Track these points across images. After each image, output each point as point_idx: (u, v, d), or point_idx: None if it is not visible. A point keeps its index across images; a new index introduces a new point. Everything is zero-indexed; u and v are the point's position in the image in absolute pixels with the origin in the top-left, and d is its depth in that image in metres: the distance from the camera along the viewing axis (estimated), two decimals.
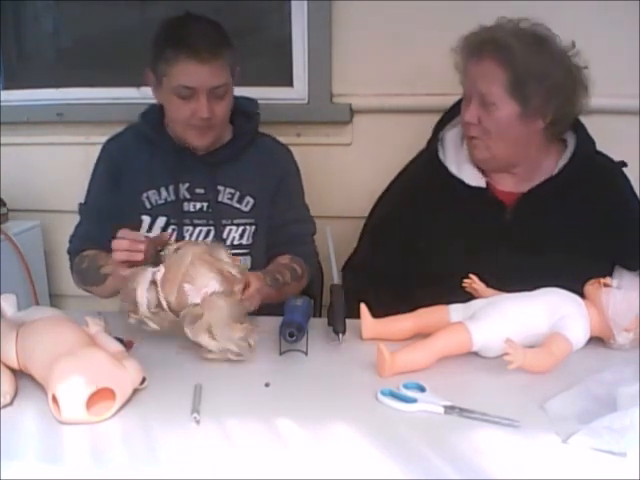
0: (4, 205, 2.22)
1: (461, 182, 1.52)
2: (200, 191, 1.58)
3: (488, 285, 1.29)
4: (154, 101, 1.59)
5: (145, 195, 1.57)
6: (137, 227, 1.54)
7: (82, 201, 1.64)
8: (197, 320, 1.15)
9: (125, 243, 1.27)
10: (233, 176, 1.57)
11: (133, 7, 2.18)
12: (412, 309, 1.26)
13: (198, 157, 1.58)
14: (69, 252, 1.62)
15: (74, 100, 2.23)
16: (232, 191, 1.58)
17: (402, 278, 1.53)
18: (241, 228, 1.59)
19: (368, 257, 1.62)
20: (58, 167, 2.27)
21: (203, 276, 1.19)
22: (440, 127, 1.60)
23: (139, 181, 1.57)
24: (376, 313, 1.26)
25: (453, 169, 1.54)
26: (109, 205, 1.58)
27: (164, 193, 1.57)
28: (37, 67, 2.42)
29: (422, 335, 1.18)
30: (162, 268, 1.20)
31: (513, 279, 1.21)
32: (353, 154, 2.10)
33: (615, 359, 1.16)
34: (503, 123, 1.43)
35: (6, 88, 2.32)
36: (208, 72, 1.45)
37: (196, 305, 1.17)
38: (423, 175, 1.58)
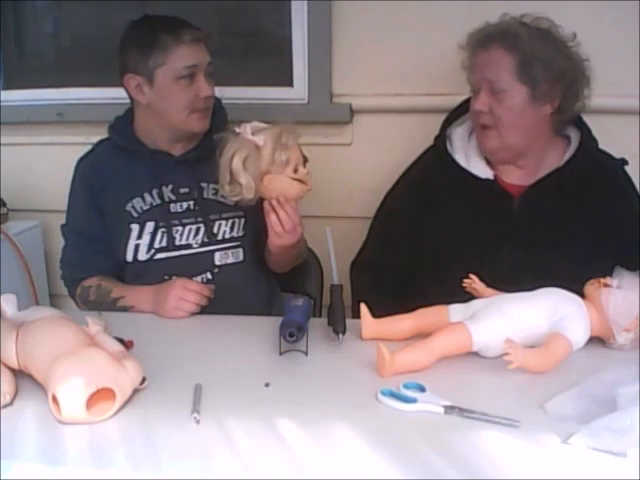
0: (4, 205, 2.22)
1: (469, 174, 1.55)
2: (184, 190, 1.59)
3: (493, 276, 1.29)
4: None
5: (130, 205, 1.57)
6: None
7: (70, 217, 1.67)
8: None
9: (196, 297, 1.42)
10: (214, 171, 1.57)
11: (133, 7, 2.18)
12: (422, 303, 1.27)
13: (176, 158, 1.60)
14: (66, 283, 1.67)
15: (74, 100, 2.23)
16: (215, 186, 1.58)
17: (412, 272, 1.56)
18: (230, 221, 1.60)
19: (377, 253, 1.64)
20: (58, 167, 2.25)
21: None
22: (447, 124, 1.63)
23: (120, 193, 1.58)
24: (385, 310, 1.27)
25: (461, 161, 1.56)
26: (91, 227, 1.60)
27: (148, 198, 1.57)
28: (37, 67, 2.42)
29: (422, 335, 1.18)
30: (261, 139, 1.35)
31: (522, 269, 1.21)
32: (353, 154, 2.10)
33: (615, 359, 1.16)
34: (514, 108, 1.46)
35: (6, 88, 2.32)
36: (204, 49, 1.54)
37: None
38: (431, 169, 1.61)
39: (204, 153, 1.57)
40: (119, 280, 1.59)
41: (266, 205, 1.38)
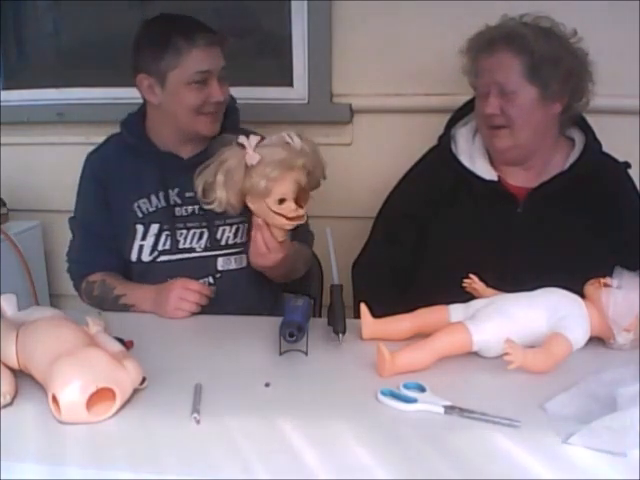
0: (4, 205, 2.22)
1: (474, 175, 1.55)
2: (190, 195, 1.56)
3: (496, 278, 1.29)
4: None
5: (136, 204, 1.57)
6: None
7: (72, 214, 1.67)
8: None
9: (196, 296, 1.42)
10: None
11: (133, 7, 2.19)
12: (424, 303, 1.27)
13: (184, 161, 1.58)
14: (72, 277, 1.66)
15: (74, 100, 2.23)
16: None
17: (416, 273, 1.56)
18: (234, 227, 1.59)
19: (381, 254, 1.64)
20: (58, 167, 2.27)
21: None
22: (451, 124, 1.63)
23: (128, 191, 1.57)
24: (388, 310, 1.27)
25: (466, 162, 1.56)
26: (99, 223, 1.60)
27: (154, 200, 1.57)
28: (37, 67, 2.42)
29: (422, 335, 1.18)
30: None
31: (524, 271, 1.21)
32: (353, 154, 2.10)
33: (615, 359, 1.16)
34: (526, 108, 1.46)
35: (6, 88, 2.33)
36: (218, 53, 1.52)
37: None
38: (435, 170, 1.61)
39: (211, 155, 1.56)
40: (124, 278, 1.59)
41: (254, 219, 1.35)
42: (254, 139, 1.31)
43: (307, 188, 1.32)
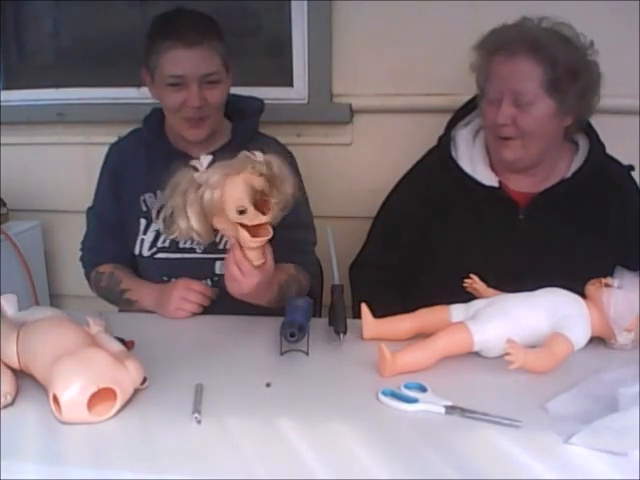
0: (4, 205, 2.22)
1: (474, 181, 1.51)
2: None
3: (497, 284, 1.29)
4: (154, 101, 1.59)
5: (142, 198, 1.57)
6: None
7: (90, 204, 1.67)
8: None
9: (198, 297, 1.42)
10: None
11: (133, 7, 2.19)
12: (423, 304, 1.26)
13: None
14: (83, 265, 1.67)
15: (74, 100, 2.23)
16: None
17: (413, 276, 1.55)
18: None
19: (379, 255, 1.63)
20: (58, 167, 2.27)
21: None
22: (452, 125, 1.59)
23: (137, 184, 1.58)
24: (386, 311, 1.26)
25: (466, 167, 1.52)
26: (111, 214, 1.61)
27: (160, 196, 1.56)
28: (37, 67, 2.43)
29: (423, 335, 1.18)
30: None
31: (525, 278, 1.20)
32: (353, 154, 2.10)
33: (616, 359, 1.15)
34: (540, 121, 1.41)
35: (6, 88, 2.33)
36: (196, 58, 1.45)
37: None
38: (435, 173, 1.58)
39: (223, 160, 1.55)
40: (133, 272, 1.59)
41: (228, 243, 1.28)
42: (205, 159, 1.21)
43: (267, 193, 1.20)
